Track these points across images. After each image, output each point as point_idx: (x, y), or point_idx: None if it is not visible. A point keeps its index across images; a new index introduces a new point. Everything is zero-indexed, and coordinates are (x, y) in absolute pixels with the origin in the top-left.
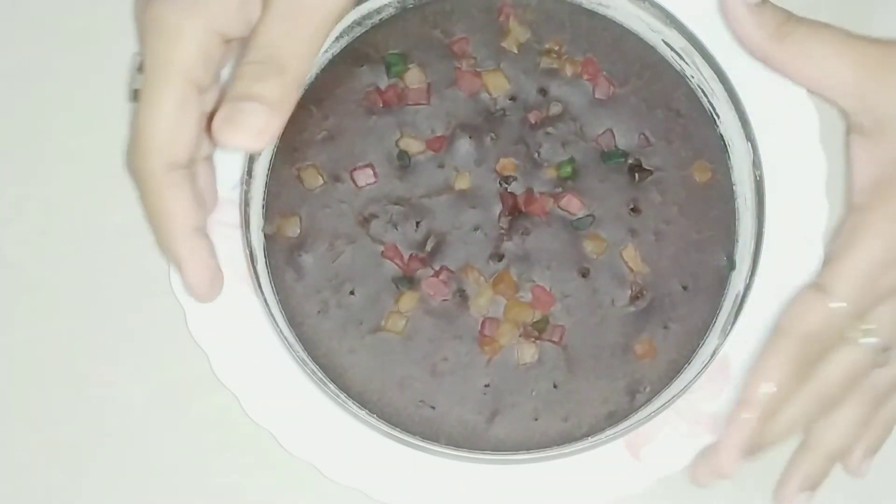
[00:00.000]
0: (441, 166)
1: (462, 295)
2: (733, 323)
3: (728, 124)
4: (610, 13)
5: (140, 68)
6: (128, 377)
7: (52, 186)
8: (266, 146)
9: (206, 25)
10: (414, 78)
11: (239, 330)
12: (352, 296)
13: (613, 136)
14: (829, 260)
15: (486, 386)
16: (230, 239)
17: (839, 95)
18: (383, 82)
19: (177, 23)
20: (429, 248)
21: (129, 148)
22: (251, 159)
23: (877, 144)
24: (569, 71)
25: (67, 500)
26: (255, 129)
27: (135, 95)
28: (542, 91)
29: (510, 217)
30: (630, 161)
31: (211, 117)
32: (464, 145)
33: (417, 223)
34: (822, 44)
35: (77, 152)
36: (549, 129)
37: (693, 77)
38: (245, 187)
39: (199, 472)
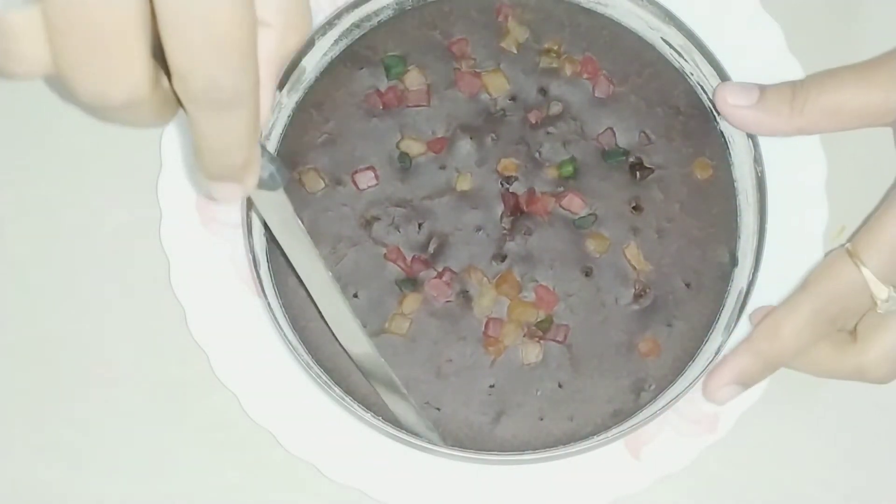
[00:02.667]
0: (442, 167)
1: (465, 296)
2: (737, 320)
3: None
4: (608, 12)
5: None
6: (128, 377)
7: (52, 186)
8: None
9: None
10: (413, 79)
11: (239, 330)
12: (355, 298)
13: (614, 135)
14: (865, 229)
15: (491, 387)
16: (231, 240)
17: (879, 118)
18: (383, 84)
19: None
20: (431, 249)
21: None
22: None
23: None
24: (568, 70)
25: (66, 499)
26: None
27: None
28: (542, 91)
29: (512, 217)
30: (631, 159)
31: None
32: (465, 146)
33: (420, 225)
34: (837, 91)
35: (77, 152)
36: (550, 129)
37: (692, 74)
38: None
39: (199, 472)
